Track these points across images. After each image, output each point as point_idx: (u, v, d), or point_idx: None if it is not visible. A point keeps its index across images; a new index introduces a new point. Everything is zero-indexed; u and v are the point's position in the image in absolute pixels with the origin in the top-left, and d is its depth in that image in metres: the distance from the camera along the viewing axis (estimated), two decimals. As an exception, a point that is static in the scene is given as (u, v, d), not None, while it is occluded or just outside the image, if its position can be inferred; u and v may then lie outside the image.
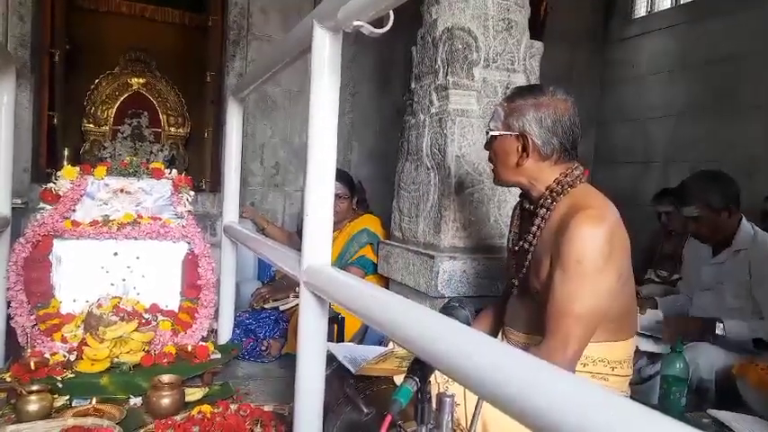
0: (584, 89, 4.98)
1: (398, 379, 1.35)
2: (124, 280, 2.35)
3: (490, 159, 1.49)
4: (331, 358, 1.46)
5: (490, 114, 1.48)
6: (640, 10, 4.91)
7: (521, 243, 1.43)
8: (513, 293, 1.51)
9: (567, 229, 1.26)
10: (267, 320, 2.59)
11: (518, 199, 1.56)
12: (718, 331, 1.98)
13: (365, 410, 1.36)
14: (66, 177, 2.39)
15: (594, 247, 1.23)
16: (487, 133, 1.46)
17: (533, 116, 1.35)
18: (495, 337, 1.55)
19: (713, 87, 4.07)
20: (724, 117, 3.97)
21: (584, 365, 1.35)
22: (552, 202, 1.36)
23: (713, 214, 2.13)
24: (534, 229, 1.38)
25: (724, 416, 1.62)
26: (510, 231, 1.55)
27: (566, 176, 1.37)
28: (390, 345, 1.61)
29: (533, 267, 1.39)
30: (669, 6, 4.65)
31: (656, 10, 4.78)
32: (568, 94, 1.40)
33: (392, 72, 4.19)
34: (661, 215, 3.23)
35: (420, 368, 0.86)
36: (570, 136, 1.37)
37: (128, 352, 2.10)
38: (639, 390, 1.98)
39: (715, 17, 4.08)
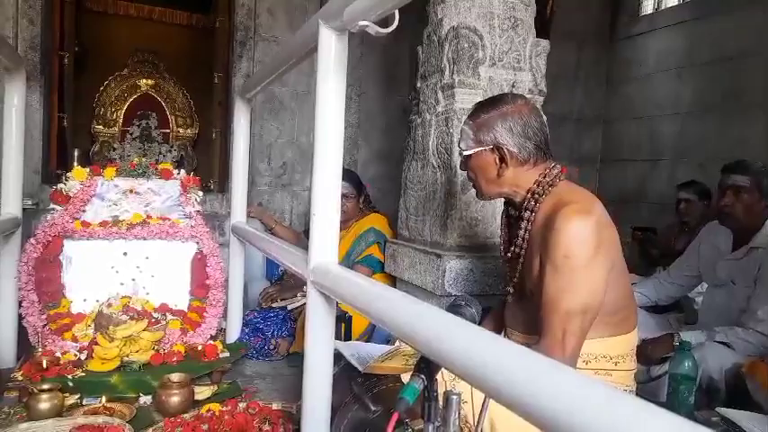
0: (590, 87, 4.96)
1: (405, 377, 1.35)
2: (134, 280, 2.37)
3: (470, 178, 1.50)
4: (338, 357, 1.47)
5: (458, 136, 1.48)
6: (647, 7, 4.88)
7: (511, 249, 1.44)
8: (509, 299, 1.51)
9: (552, 225, 1.26)
10: (275, 319, 2.61)
11: (503, 205, 1.56)
12: (676, 342, 1.97)
13: (372, 408, 1.36)
14: (76, 178, 2.41)
15: (581, 241, 1.23)
16: (461, 154, 1.47)
17: (502, 126, 1.37)
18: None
19: (721, 85, 4.04)
20: (732, 114, 3.94)
21: (587, 363, 1.35)
22: (536, 204, 1.37)
23: (756, 195, 2.12)
24: (522, 232, 1.39)
25: (733, 414, 1.61)
26: (500, 240, 1.56)
27: (544, 177, 1.38)
28: (397, 343, 1.61)
29: (526, 270, 1.39)
30: (676, 3, 4.62)
31: (663, 7, 4.74)
32: (526, 98, 1.43)
33: (398, 71, 4.18)
34: (680, 204, 3.21)
35: (427, 366, 0.87)
36: (542, 136, 1.39)
37: (137, 351, 2.12)
38: (647, 388, 1.97)
39: (723, 14, 4.05)
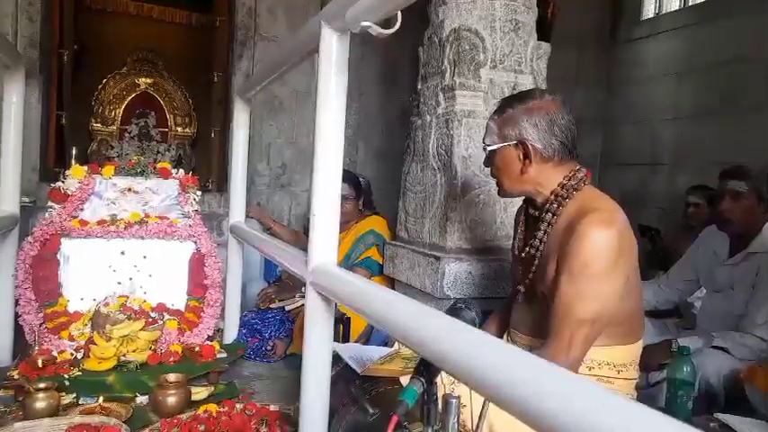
0: (591, 90, 4.97)
1: (404, 380, 1.35)
2: (131, 279, 2.36)
3: (493, 174, 1.48)
4: (337, 358, 1.46)
5: (483, 131, 1.47)
6: (648, 11, 4.89)
7: (527, 249, 1.42)
8: (518, 300, 1.50)
9: (574, 232, 1.25)
10: (273, 320, 2.60)
11: (522, 203, 1.55)
12: (674, 347, 1.97)
13: (371, 411, 1.36)
14: (75, 176, 2.40)
15: (602, 251, 1.22)
16: (485, 149, 1.45)
17: (528, 122, 1.35)
18: (501, 339, 1.54)
19: (722, 89, 4.04)
20: (733, 119, 3.94)
21: (590, 369, 1.35)
22: (558, 207, 1.35)
23: (755, 199, 2.13)
24: (541, 234, 1.37)
25: (731, 420, 1.61)
26: (515, 238, 1.54)
27: (569, 180, 1.36)
28: (396, 345, 1.61)
29: (540, 272, 1.38)
30: (678, 8, 4.63)
31: (664, 11, 4.75)
32: (555, 94, 1.39)
33: (399, 73, 4.18)
34: (689, 207, 3.21)
35: (426, 369, 0.86)
36: (569, 133, 1.36)
37: (134, 351, 2.11)
38: (646, 394, 1.97)
39: (724, 18, 4.06)
